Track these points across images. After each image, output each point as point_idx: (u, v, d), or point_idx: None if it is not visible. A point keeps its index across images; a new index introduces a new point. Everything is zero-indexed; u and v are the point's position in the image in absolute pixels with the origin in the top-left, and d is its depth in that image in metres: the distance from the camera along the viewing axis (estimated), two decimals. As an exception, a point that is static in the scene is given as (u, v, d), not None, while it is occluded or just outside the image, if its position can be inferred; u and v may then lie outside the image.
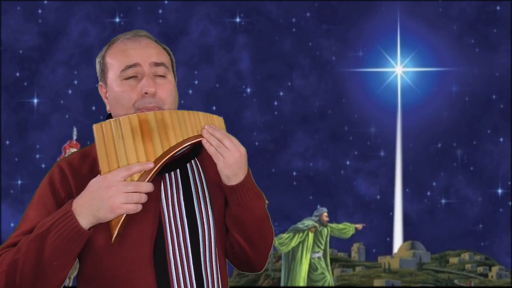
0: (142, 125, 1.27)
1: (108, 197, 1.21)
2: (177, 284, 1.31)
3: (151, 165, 1.25)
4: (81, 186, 1.30)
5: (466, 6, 10.18)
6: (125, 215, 1.24)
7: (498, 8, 9.98)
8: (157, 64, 1.37)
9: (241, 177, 1.36)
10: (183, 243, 1.34)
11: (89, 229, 1.25)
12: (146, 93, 1.34)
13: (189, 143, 1.31)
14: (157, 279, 1.30)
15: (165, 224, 1.33)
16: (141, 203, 1.25)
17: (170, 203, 1.35)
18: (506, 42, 9.76)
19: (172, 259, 1.32)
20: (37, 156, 9.48)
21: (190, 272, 1.33)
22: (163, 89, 1.36)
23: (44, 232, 1.23)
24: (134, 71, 1.36)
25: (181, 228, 1.34)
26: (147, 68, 1.36)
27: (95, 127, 1.28)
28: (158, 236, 1.32)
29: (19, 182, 9.27)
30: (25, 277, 1.23)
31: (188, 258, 1.34)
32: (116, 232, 1.25)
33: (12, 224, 8.86)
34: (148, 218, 1.31)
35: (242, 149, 1.34)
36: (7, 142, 9.38)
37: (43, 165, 9.35)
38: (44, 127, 9.59)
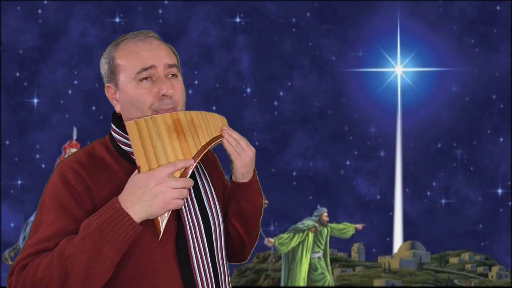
0: (176, 124, 1.33)
1: (161, 192, 1.25)
2: (199, 278, 1.36)
3: (192, 162, 1.32)
4: (97, 185, 1.31)
5: (466, 6, 10.17)
6: (170, 211, 1.29)
7: (498, 8, 9.97)
8: (170, 66, 1.40)
9: (251, 174, 1.49)
10: (200, 238, 1.39)
11: None
12: (164, 95, 1.36)
13: (215, 142, 1.38)
14: (181, 273, 1.34)
15: (184, 220, 1.37)
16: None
17: (185, 200, 1.37)
18: (506, 42, 9.76)
19: (194, 254, 1.37)
20: (37, 156, 9.48)
21: (208, 265, 1.39)
22: (177, 90, 1.40)
23: (95, 231, 1.21)
24: (149, 73, 1.37)
25: (197, 224, 1.40)
26: (162, 70, 1.38)
27: (129, 125, 1.31)
28: (179, 232, 1.36)
29: (19, 182, 9.26)
30: (74, 280, 1.20)
31: (206, 252, 1.39)
32: (162, 229, 1.29)
33: (12, 224, 8.86)
34: (169, 216, 1.33)
35: (254, 150, 1.46)
36: (7, 142, 9.37)
37: (43, 165, 9.35)
38: (44, 127, 9.59)
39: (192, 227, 1.38)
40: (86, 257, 1.20)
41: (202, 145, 1.35)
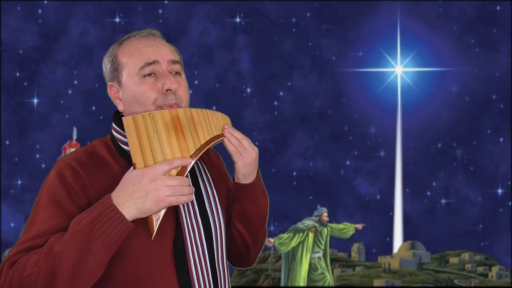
0: (175, 121, 1.29)
1: (154, 189, 1.21)
2: (197, 282, 1.32)
3: (190, 160, 1.27)
4: (95, 183, 1.29)
5: (466, 6, 10.18)
6: (164, 210, 1.24)
7: (498, 8, 9.97)
8: (174, 62, 1.39)
9: (254, 175, 1.45)
10: (200, 241, 1.36)
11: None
12: (167, 90, 1.35)
13: (215, 142, 1.34)
14: (178, 278, 1.30)
15: (183, 223, 1.34)
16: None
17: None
18: (506, 42, 9.76)
19: (192, 258, 1.33)
20: (37, 156, 9.48)
21: (208, 270, 1.35)
22: (181, 87, 1.38)
23: (85, 228, 1.17)
24: (152, 68, 1.36)
25: (197, 227, 1.36)
26: (166, 65, 1.37)
27: (126, 120, 1.27)
28: (177, 236, 1.32)
29: (19, 182, 9.26)
30: (62, 277, 1.17)
31: (205, 256, 1.36)
32: (156, 229, 1.25)
33: (12, 224, 8.87)
34: (167, 219, 1.31)
35: (257, 150, 1.42)
36: (7, 142, 9.38)
37: (43, 165, 9.35)
38: (44, 127, 9.59)
39: (191, 230, 1.34)
40: (75, 254, 1.16)
41: (202, 143, 1.31)
